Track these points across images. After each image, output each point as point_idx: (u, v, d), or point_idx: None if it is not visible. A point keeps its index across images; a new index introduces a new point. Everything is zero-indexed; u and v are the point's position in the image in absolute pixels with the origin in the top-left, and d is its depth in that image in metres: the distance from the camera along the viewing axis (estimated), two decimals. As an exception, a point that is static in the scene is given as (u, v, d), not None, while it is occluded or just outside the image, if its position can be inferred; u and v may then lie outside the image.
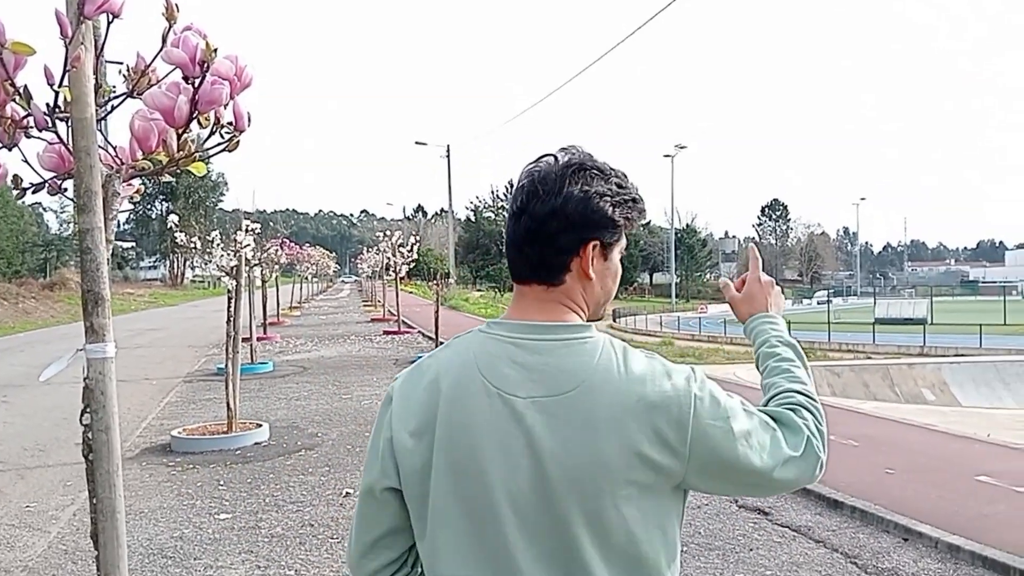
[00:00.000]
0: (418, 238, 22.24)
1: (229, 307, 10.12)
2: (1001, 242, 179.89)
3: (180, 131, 1.90)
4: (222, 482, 7.73)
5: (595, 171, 1.28)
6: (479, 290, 72.88)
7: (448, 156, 42.10)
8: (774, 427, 1.32)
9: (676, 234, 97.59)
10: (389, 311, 30.19)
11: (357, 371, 16.47)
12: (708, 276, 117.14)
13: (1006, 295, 74.10)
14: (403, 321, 25.69)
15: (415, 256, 21.87)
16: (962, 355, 32.19)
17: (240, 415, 9.67)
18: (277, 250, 21.87)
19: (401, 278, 25.08)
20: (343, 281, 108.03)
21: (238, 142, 1.99)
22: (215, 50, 1.81)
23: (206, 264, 12.74)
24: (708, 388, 1.25)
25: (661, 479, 1.21)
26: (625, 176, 1.33)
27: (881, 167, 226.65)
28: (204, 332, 27.37)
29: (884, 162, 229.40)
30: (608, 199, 1.26)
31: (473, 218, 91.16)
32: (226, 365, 9.64)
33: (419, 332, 24.40)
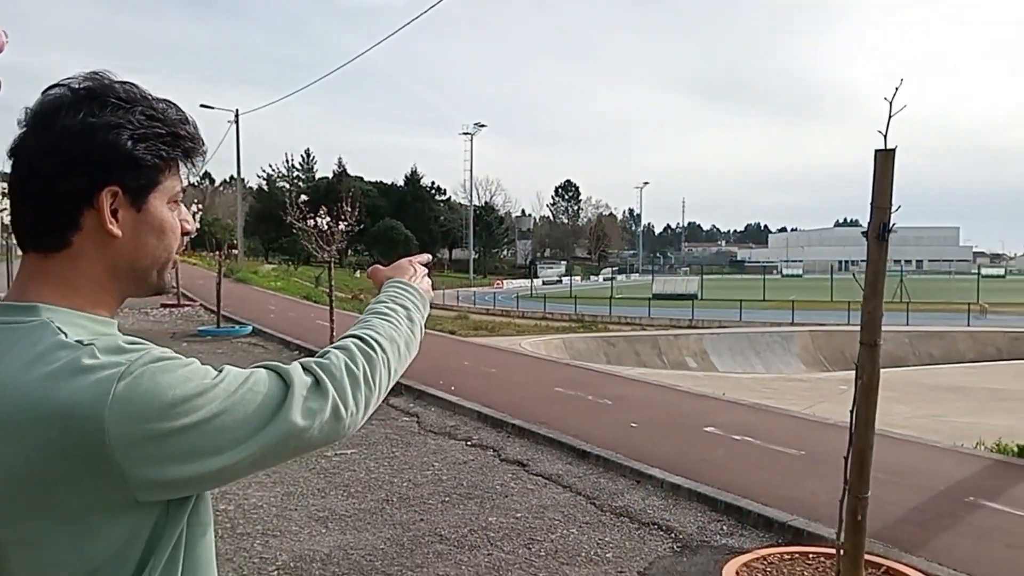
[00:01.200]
0: (201, 207, 21.18)
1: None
2: (766, 226, 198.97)
3: None
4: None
5: (113, 100, 0.99)
6: (271, 263, 70.46)
7: (236, 122, 40.26)
8: (276, 391, 0.99)
9: (475, 211, 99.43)
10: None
11: (130, 344, 15.61)
12: (505, 253, 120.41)
13: (766, 274, 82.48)
14: (183, 293, 24.53)
15: (196, 225, 20.78)
16: (724, 327, 35.48)
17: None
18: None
19: (184, 249, 23.85)
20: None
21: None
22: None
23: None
24: (149, 383, 0.90)
25: (82, 505, 0.90)
26: (168, 107, 1.05)
27: (663, 153, 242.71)
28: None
29: (665, 148, 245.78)
30: (126, 132, 0.98)
31: (266, 187, 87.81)
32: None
33: (200, 305, 23.40)
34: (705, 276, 74.05)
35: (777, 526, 5.38)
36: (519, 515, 5.90)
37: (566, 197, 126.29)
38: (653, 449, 7.31)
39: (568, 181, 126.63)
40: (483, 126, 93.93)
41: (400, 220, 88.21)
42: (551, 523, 5.73)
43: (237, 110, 40.86)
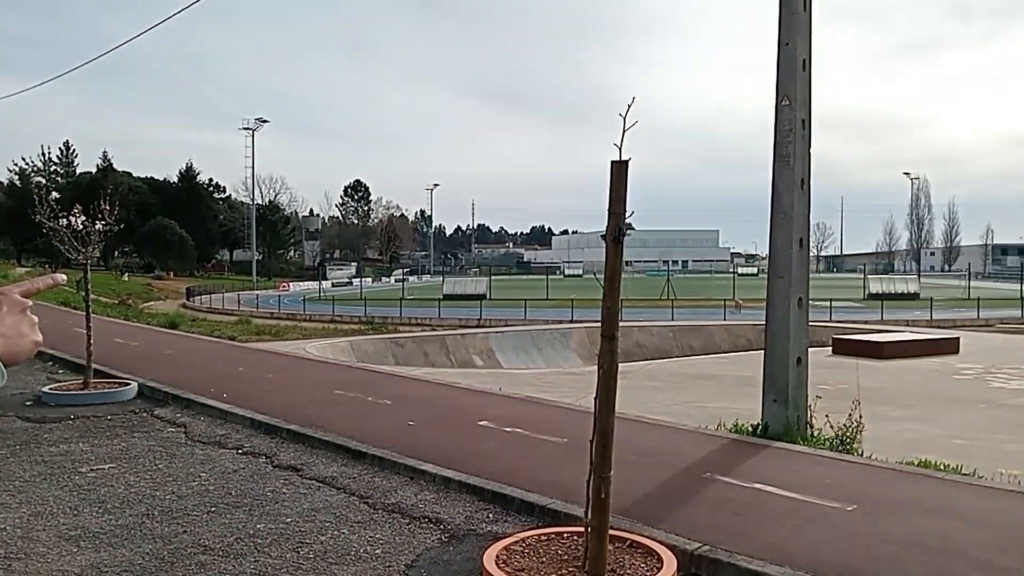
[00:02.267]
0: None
1: None
2: (550, 228, 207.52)
3: None
4: None
5: None
6: (24, 265, 63.91)
7: (-21, 108, 36.00)
8: None
9: (258, 210, 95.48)
10: None
11: None
12: (292, 254, 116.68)
13: (549, 274, 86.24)
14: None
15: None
16: (510, 326, 36.63)
17: None
18: None
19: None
20: None
21: None
22: None
23: None
24: None
25: None
26: None
27: (453, 156, 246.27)
28: None
29: (455, 151, 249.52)
30: None
31: (19, 183, 79.28)
32: None
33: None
34: (493, 277, 76.04)
35: (538, 510, 5.70)
36: (289, 520, 5.81)
37: (356, 197, 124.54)
38: (428, 445, 7.47)
39: (358, 181, 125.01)
40: (265, 121, 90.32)
41: (174, 219, 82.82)
42: (322, 525, 5.70)
43: (-21, 95, 36.43)
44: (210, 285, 70.06)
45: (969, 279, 69.80)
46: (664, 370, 17.10)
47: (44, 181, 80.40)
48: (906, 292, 59.96)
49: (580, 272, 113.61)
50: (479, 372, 18.61)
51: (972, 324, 37.47)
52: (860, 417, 7.68)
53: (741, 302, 46.53)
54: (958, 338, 20.69)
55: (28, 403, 10.05)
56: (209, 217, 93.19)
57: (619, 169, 4.19)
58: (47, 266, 60.01)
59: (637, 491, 5.96)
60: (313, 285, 79.69)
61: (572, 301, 43.48)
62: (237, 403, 9.41)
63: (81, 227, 9.76)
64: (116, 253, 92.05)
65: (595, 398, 4.53)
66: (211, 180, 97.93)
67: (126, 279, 74.65)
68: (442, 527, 5.62)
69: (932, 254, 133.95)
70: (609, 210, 4.29)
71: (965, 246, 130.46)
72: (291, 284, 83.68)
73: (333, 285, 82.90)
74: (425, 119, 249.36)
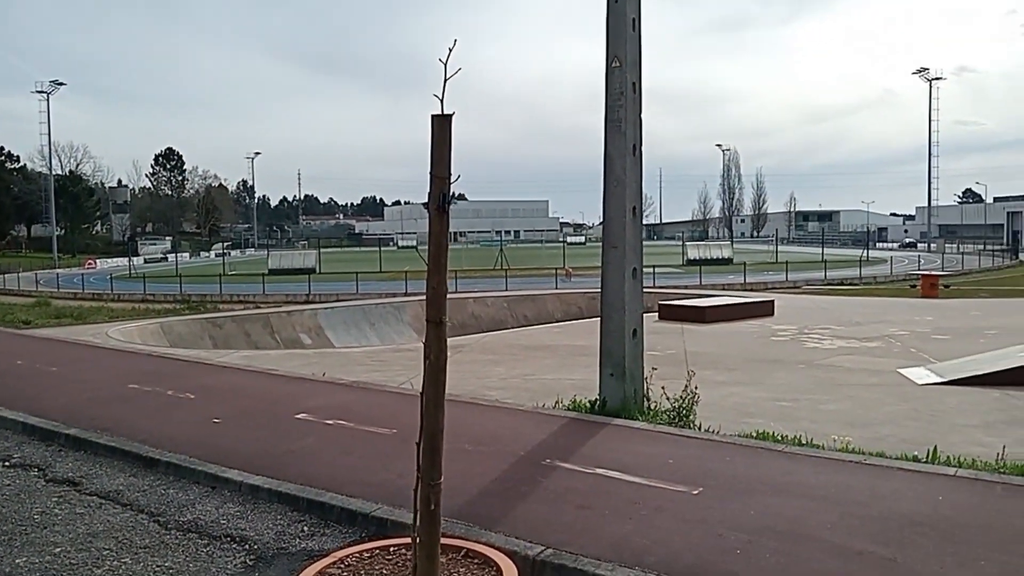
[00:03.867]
0: None
1: None
2: (382, 199, 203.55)
3: None
4: None
5: None
6: None
7: None
8: None
9: (57, 181, 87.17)
10: None
11: None
12: (99, 228, 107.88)
13: (382, 246, 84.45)
14: None
15: None
16: (342, 300, 35.30)
17: None
18: None
19: None
20: None
21: None
22: None
23: None
24: None
25: None
26: None
27: (276, 124, 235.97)
28: None
29: (277, 119, 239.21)
30: None
31: None
32: None
33: None
34: (323, 250, 73.59)
35: (361, 519, 5.01)
36: (59, 550, 4.80)
37: (168, 167, 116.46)
38: (235, 446, 6.57)
39: (170, 149, 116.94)
40: (62, 84, 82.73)
41: (-42, 191, 74.09)
42: (100, 554, 4.73)
43: None
44: (4, 264, 63.43)
45: (777, 244, 74.96)
46: (499, 342, 16.77)
47: None
48: (720, 257, 63.62)
49: (414, 244, 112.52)
50: (305, 353, 17.51)
51: (782, 286, 40.07)
52: (696, 388, 7.52)
53: (571, 270, 47.45)
54: (773, 301, 21.77)
55: None
56: (1, 189, 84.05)
57: (441, 125, 3.53)
58: None
59: (472, 487, 5.39)
60: (123, 262, 73.93)
61: (406, 273, 42.58)
62: (7, 404, 8.04)
63: None
64: None
65: (421, 394, 3.90)
66: (2, 148, 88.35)
67: None
68: (247, 547, 4.81)
69: (743, 221, 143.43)
70: (432, 174, 3.63)
71: (772, 213, 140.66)
72: (98, 261, 77.19)
73: (146, 261, 77.38)
74: (244, 84, 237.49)
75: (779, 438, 6.73)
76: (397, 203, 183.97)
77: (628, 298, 7.59)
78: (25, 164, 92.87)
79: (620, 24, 7.51)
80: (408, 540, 4.26)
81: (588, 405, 7.74)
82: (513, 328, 25.24)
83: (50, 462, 6.57)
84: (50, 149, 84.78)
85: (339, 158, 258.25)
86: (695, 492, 5.25)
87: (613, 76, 7.40)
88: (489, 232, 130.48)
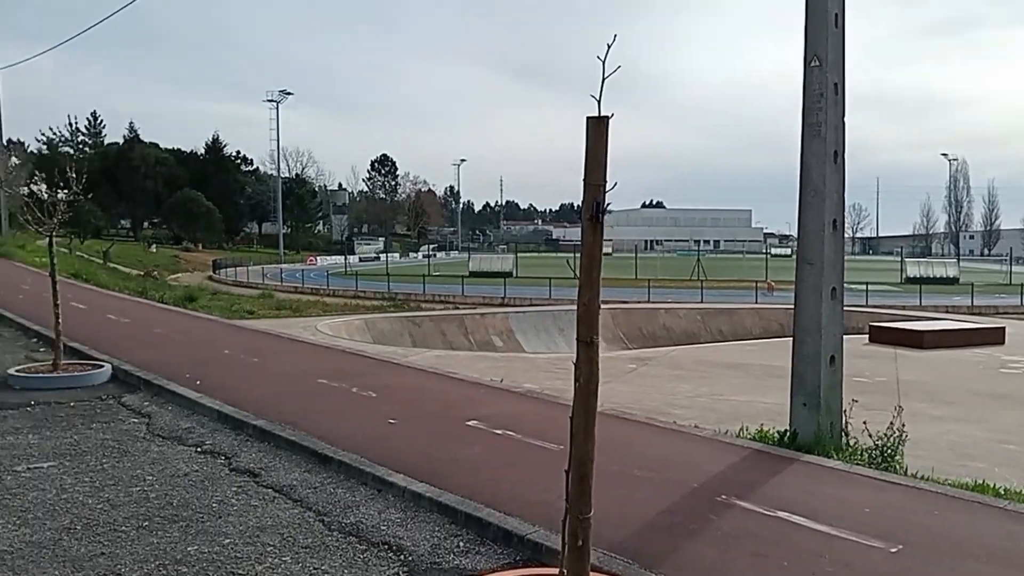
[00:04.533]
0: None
1: None
2: (578, 205, 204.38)
3: None
4: None
5: None
6: (58, 236, 64.09)
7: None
8: None
9: (285, 184, 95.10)
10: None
11: None
12: (320, 228, 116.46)
13: (576, 252, 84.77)
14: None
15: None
16: (535, 305, 35.70)
17: None
18: None
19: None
20: None
21: None
22: None
23: None
24: None
25: None
26: None
27: (481, 131, 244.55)
28: None
29: (482, 126, 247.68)
30: None
31: (47, 151, 79.58)
32: None
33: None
34: (521, 254, 75.01)
35: (517, 540, 4.77)
36: (228, 542, 4.95)
37: (383, 172, 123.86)
38: (405, 449, 6.57)
39: (384, 155, 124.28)
40: (290, 94, 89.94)
41: (201, 191, 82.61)
42: (263, 550, 4.83)
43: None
44: (237, 258, 69.98)
45: (1011, 264, 67.42)
46: (688, 357, 16.08)
47: (71, 151, 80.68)
48: (945, 276, 57.95)
49: (609, 250, 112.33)
50: (493, 356, 17.72)
51: (1016, 312, 35.80)
52: (903, 426, 6.65)
53: (773, 284, 45.04)
54: (1004, 328, 19.37)
55: (-9, 387, 9.34)
56: (236, 190, 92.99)
57: (597, 128, 3.21)
58: (75, 237, 60.05)
59: (636, 519, 5.01)
60: (340, 260, 79.26)
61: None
62: (209, 392, 8.60)
63: (46, 196, 8.98)
64: (145, 224, 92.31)
65: (570, 417, 3.60)
66: (238, 153, 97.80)
67: (154, 251, 74.69)
68: (402, 558, 4.72)
69: (971, 237, 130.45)
70: (585, 181, 3.32)
71: (1005, 230, 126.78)
72: (318, 258, 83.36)
73: (360, 260, 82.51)
74: (451, 94, 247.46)
75: (1001, 491, 5.78)
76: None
77: (825, 320, 6.86)
78: (258, 167, 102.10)
79: (820, 20, 6.82)
80: (554, 571, 3.98)
81: (776, 436, 7.07)
82: (705, 343, 24.27)
83: (236, 451, 6.90)
84: (279, 154, 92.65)
85: (540, 164, 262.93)
86: (893, 550, 4.55)
87: (812, 76, 6.72)
88: (687, 241, 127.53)
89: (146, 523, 5.27)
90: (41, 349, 11.85)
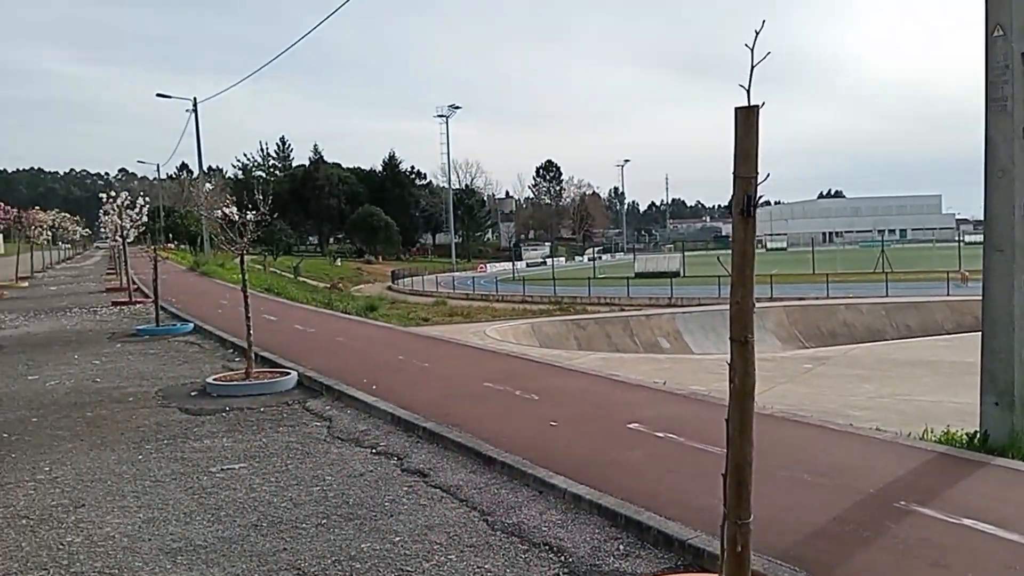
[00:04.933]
0: (147, 199, 20.36)
1: None
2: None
3: None
4: None
5: None
6: (252, 253, 69.73)
7: (195, 110, 39.16)
8: None
9: (455, 195, 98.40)
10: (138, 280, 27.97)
11: (61, 348, 14.90)
12: (489, 236, 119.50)
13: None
14: (138, 289, 23.84)
15: (144, 219, 20.05)
16: (703, 305, 34.85)
17: None
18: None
19: (131, 242, 23.15)
20: (97, 247, 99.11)
21: None
22: None
23: None
24: None
25: None
26: None
27: (643, 130, 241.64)
28: None
29: (645, 125, 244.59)
30: None
31: (242, 176, 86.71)
32: None
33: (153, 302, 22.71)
34: (688, 252, 73.40)
35: (677, 545, 4.70)
36: (398, 539, 5.21)
37: (548, 178, 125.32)
38: (566, 451, 6.64)
39: (549, 161, 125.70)
40: (458, 108, 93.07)
41: (380, 206, 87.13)
42: (431, 548, 5.04)
43: (195, 98, 39.77)
44: (414, 268, 73.22)
45: None
46: (870, 355, 15.17)
47: (264, 175, 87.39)
48: None
49: (784, 245, 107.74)
50: (658, 358, 17.49)
51: None
52: (1118, 428, 5.96)
53: (967, 274, 41.42)
54: None
55: (193, 393, 10.29)
56: (411, 203, 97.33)
57: (747, 118, 3.12)
58: (268, 254, 65.00)
59: (805, 524, 4.80)
60: (508, 266, 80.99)
61: (771, 277, 40.63)
62: (384, 396, 9.06)
63: (236, 218, 9.84)
64: (331, 240, 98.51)
65: (726, 420, 3.52)
66: (412, 167, 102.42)
67: (338, 264, 79.57)
68: (563, 559, 4.78)
69: None
70: (735, 174, 3.24)
71: None
72: (487, 265, 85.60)
73: (528, 265, 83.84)
74: (612, 94, 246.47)
75: None
76: (766, 203, 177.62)
77: (1018, 312, 6.27)
78: (430, 181, 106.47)
79: (1007, -17, 6.24)
80: (719, 577, 3.90)
81: (964, 439, 6.54)
82: (891, 340, 22.74)
83: (408, 452, 7.23)
84: (449, 167, 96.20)
85: (706, 160, 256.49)
86: (1102, 566, 4.10)
87: (995, 47, 6.16)
88: (870, 232, 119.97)
89: (324, 521, 5.63)
90: (236, 359, 12.93)
